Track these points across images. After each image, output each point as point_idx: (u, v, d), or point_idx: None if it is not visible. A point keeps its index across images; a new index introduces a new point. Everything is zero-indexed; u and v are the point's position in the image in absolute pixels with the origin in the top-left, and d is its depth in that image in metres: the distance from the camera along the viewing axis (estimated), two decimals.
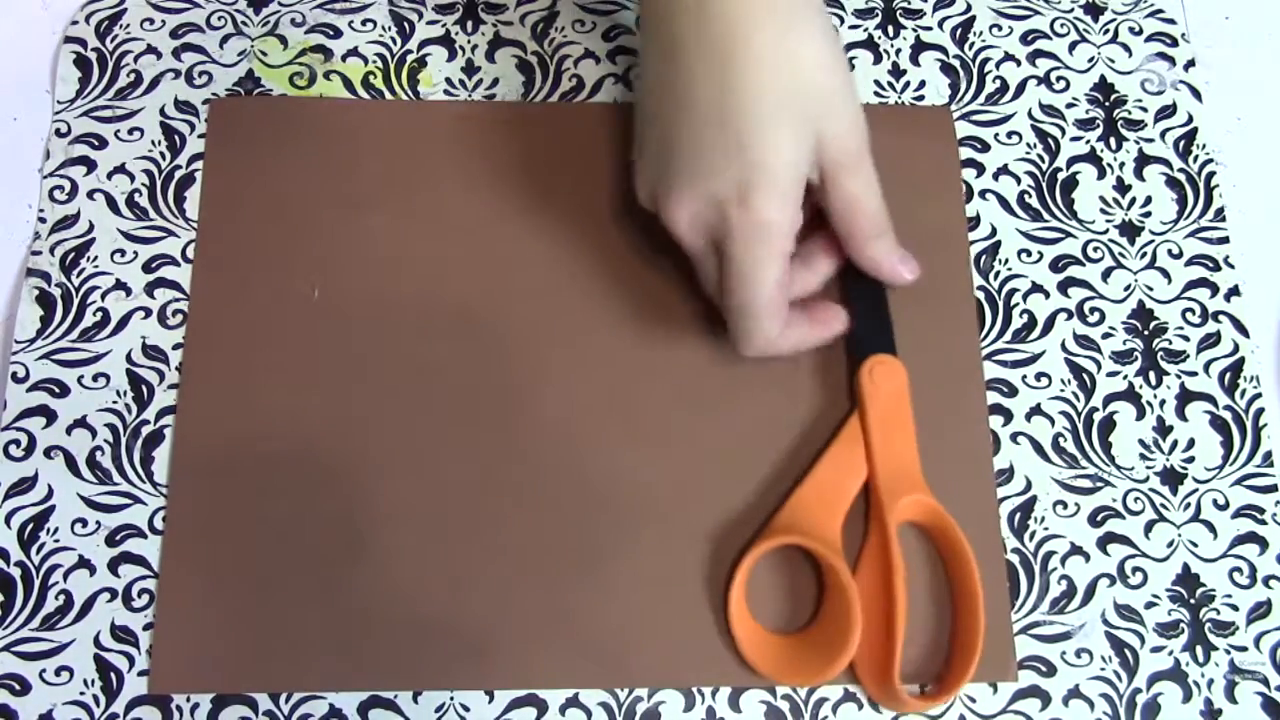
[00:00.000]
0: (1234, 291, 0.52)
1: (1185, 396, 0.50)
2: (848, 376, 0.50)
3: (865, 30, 0.56)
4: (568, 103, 0.54)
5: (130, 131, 0.52)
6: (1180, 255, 0.53)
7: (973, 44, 0.56)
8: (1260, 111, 0.56)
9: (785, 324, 0.45)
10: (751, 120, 0.42)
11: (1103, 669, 0.46)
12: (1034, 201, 0.53)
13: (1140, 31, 0.57)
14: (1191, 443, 0.50)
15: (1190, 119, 0.55)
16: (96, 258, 0.50)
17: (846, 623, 0.44)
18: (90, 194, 0.51)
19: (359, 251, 0.50)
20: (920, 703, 0.45)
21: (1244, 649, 0.47)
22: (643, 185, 0.46)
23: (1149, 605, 0.47)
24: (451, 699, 0.45)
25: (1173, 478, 0.49)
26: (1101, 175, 0.54)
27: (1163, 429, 0.50)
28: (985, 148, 0.54)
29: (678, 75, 0.43)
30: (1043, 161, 0.54)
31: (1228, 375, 0.51)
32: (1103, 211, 0.53)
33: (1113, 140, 0.55)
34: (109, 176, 0.52)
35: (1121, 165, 0.54)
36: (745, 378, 0.49)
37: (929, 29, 0.56)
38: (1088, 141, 0.54)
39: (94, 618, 0.45)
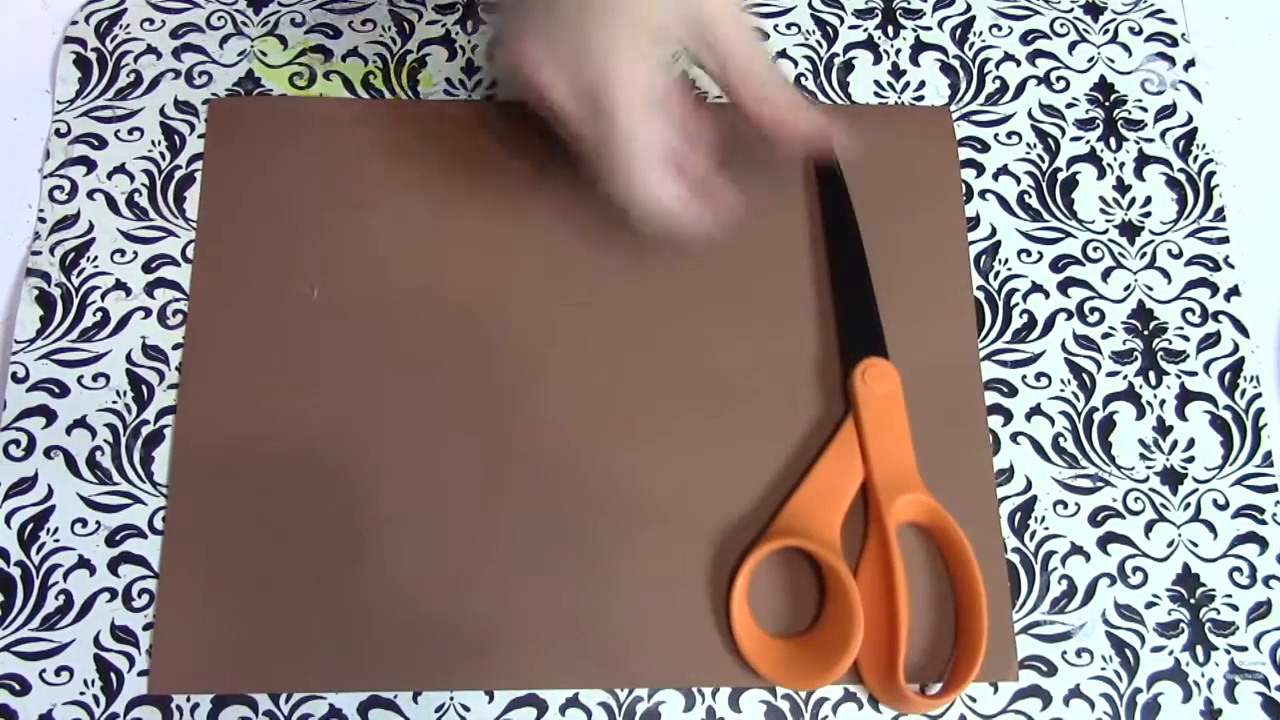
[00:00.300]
0: (1234, 291, 0.52)
1: (1185, 396, 0.50)
2: (841, 379, 0.50)
3: (865, 30, 0.56)
4: None
5: (130, 131, 0.52)
6: (1180, 255, 0.53)
7: (972, 44, 0.56)
8: (1260, 111, 0.56)
9: (676, 189, 0.45)
10: None
11: (1103, 669, 0.46)
12: (1034, 201, 0.53)
13: (1140, 31, 0.57)
14: (1191, 443, 0.50)
15: (1190, 119, 0.55)
16: (96, 258, 0.50)
17: (849, 625, 0.44)
18: (90, 194, 0.51)
19: (359, 251, 0.50)
20: (925, 701, 0.45)
21: (1244, 649, 0.47)
22: (499, 55, 0.46)
23: (1149, 605, 0.47)
24: (451, 699, 0.45)
25: (1173, 478, 0.49)
26: (1101, 175, 0.54)
27: (1163, 429, 0.50)
28: (985, 148, 0.54)
29: None
30: (1043, 161, 0.54)
31: (1228, 375, 0.51)
32: (1103, 211, 0.53)
33: (1113, 140, 0.55)
34: (109, 176, 0.52)
35: (1121, 165, 0.54)
36: (744, 381, 0.49)
37: (929, 29, 0.56)
38: (1088, 141, 0.54)
39: (94, 618, 0.45)
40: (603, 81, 0.43)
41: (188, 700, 0.44)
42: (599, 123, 0.44)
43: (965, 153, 0.54)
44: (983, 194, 0.53)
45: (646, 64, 0.43)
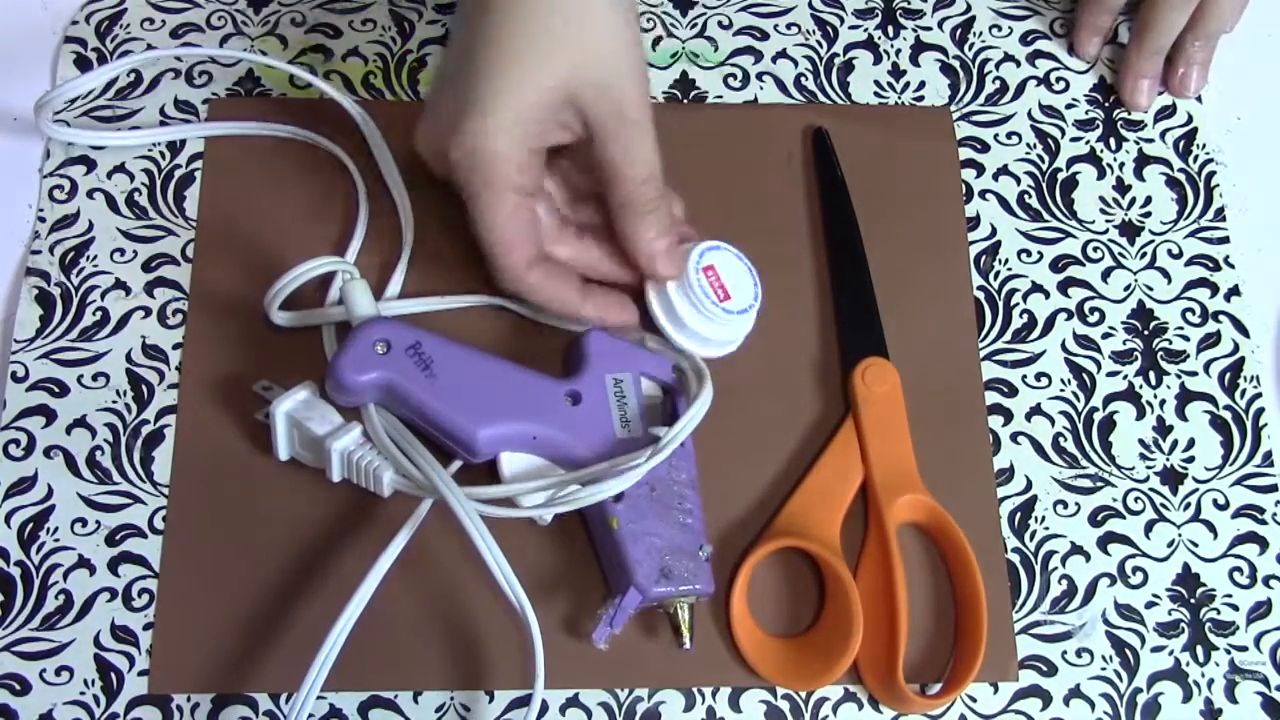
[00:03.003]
0: (1234, 291, 0.52)
1: (1185, 396, 0.50)
2: (841, 379, 0.49)
3: (865, 30, 0.56)
4: None
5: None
6: (1180, 255, 0.53)
7: (972, 44, 0.56)
8: (1260, 111, 0.56)
9: (546, 274, 0.45)
10: (494, 52, 0.42)
11: (1103, 668, 0.46)
12: (1034, 201, 0.53)
13: None
14: (1191, 443, 0.50)
15: (1190, 119, 0.55)
16: (96, 257, 0.50)
17: (848, 625, 0.44)
18: (90, 193, 0.51)
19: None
20: (925, 701, 0.45)
21: (1244, 649, 0.47)
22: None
23: (1149, 605, 0.47)
24: (451, 699, 0.45)
25: (1173, 477, 0.49)
26: (1101, 175, 0.54)
27: (1163, 429, 0.50)
28: (985, 148, 0.54)
29: (457, 26, 0.45)
30: (1043, 162, 0.54)
31: (1228, 375, 0.51)
32: (1103, 211, 0.53)
33: (1113, 140, 0.55)
34: (109, 176, 0.52)
35: (1121, 165, 0.54)
36: (743, 382, 0.49)
37: (929, 29, 0.56)
38: (1088, 142, 0.55)
39: (94, 618, 0.45)
40: (467, 161, 0.43)
41: (188, 700, 0.44)
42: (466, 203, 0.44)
43: (965, 153, 0.54)
44: (983, 194, 0.53)
45: (489, 139, 0.42)
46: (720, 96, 0.55)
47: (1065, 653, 0.46)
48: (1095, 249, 0.53)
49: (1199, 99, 0.56)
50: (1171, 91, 0.55)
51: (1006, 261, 0.52)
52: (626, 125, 0.44)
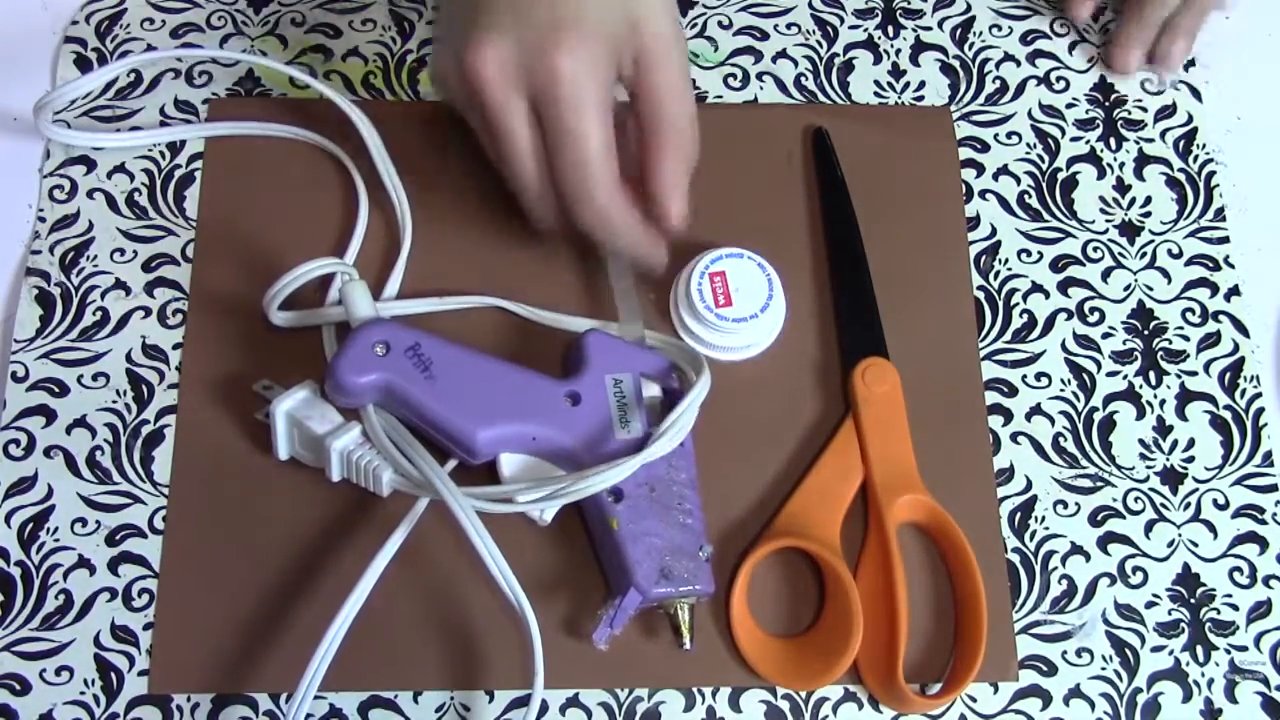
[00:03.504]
0: (1234, 291, 0.52)
1: (1185, 396, 0.50)
2: (841, 379, 0.49)
3: (865, 30, 0.56)
4: None
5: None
6: (1180, 255, 0.53)
7: (972, 44, 0.56)
8: (1260, 111, 0.56)
9: (624, 201, 0.45)
10: None
11: (1103, 668, 0.46)
12: (1034, 201, 0.53)
13: None
14: (1191, 442, 0.50)
15: (1190, 119, 0.55)
16: (96, 257, 0.50)
17: (848, 625, 0.44)
18: (90, 193, 0.51)
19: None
20: (925, 701, 0.45)
21: (1244, 649, 0.47)
22: (442, 53, 0.45)
23: (1149, 605, 0.47)
24: (451, 699, 0.45)
25: (1173, 477, 0.49)
26: (1101, 175, 0.54)
27: (1163, 429, 0.50)
28: (985, 148, 0.54)
29: None
30: (1043, 161, 0.54)
31: (1228, 375, 0.51)
32: (1103, 211, 0.53)
33: (1113, 140, 0.55)
34: (109, 176, 0.52)
35: (1121, 165, 0.54)
36: (743, 382, 0.49)
37: (929, 29, 0.56)
38: (1088, 141, 0.55)
39: (94, 617, 0.45)
40: (555, 82, 0.42)
41: (188, 700, 0.44)
42: (546, 125, 0.43)
43: (965, 153, 0.54)
44: (983, 194, 0.53)
45: (597, 67, 0.42)
46: (720, 96, 0.55)
47: (1065, 653, 0.46)
48: (1095, 249, 0.53)
49: (1198, 98, 0.56)
50: (1156, 61, 0.55)
51: (1006, 261, 0.52)
52: (676, 55, 0.44)
